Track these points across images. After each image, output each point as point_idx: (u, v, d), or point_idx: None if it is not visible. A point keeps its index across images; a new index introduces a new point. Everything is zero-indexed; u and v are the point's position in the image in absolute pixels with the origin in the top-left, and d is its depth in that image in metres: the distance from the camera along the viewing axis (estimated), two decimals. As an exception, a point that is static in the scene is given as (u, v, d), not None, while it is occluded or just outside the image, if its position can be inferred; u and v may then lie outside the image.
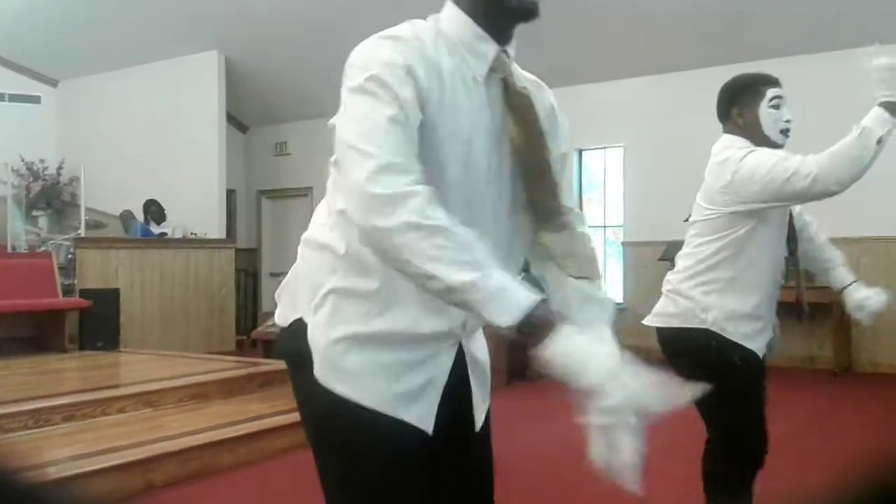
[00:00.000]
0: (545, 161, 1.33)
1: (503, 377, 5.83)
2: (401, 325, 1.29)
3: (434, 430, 1.33)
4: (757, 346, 2.36)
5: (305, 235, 1.41)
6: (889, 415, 5.26)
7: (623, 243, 8.36)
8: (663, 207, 7.45)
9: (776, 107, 2.32)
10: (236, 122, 10.54)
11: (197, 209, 8.92)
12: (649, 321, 2.50)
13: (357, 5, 7.67)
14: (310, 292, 1.33)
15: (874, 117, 2.14)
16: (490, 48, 1.30)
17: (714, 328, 2.34)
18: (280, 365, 5.74)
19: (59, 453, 3.71)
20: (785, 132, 2.34)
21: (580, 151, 8.54)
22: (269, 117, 10.53)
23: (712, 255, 2.36)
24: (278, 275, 9.59)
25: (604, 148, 8.44)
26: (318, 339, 1.30)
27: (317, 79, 9.21)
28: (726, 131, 2.44)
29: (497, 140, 1.30)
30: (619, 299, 8.28)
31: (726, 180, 2.32)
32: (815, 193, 2.18)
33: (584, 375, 1.07)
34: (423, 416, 1.32)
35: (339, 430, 1.31)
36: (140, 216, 8.76)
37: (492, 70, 1.30)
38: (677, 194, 7.44)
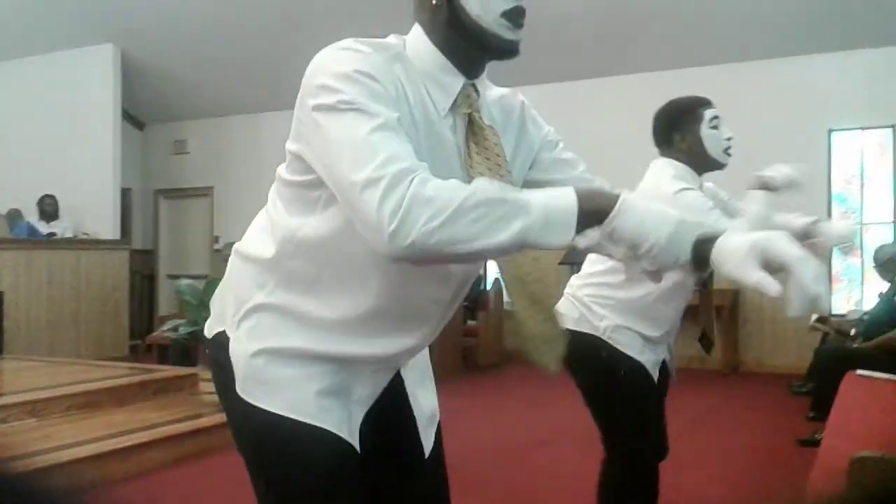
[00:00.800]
0: None
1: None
2: (329, 347, 1.25)
3: (373, 456, 1.30)
4: (647, 358, 2.36)
5: (238, 245, 1.35)
6: (773, 412, 5.53)
7: (525, 247, 8.51)
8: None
9: (716, 127, 2.32)
10: (132, 118, 10.16)
11: (89, 208, 8.55)
12: (570, 323, 2.51)
13: (259, 3, 7.54)
14: (235, 306, 1.29)
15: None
16: (455, 81, 1.23)
17: (604, 336, 2.35)
18: (175, 371, 5.56)
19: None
20: (727, 151, 2.34)
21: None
22: (167, 114, 10.20)
23: (615, 271, 2.32)
24: (176, 277, 9.30)
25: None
26: (238, 353, 1.27)
27: (218, 76, 9.01)
28: (665, 156, 2.38)
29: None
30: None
31: None
32: None
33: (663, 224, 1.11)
34: (347, 429, 1.28)
35: (268, 447, 1.26)
36: (32, 213, 8.32)
37: (455, 104, 1.23)
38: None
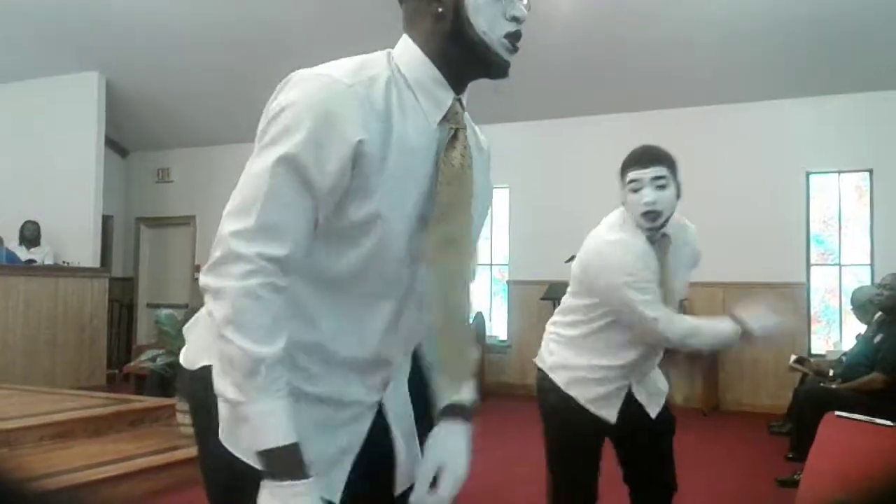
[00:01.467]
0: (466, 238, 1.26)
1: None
2: (320, 388, 1.22)
3: (349, 498, 1.25)
4: (604, 413, 2.33)
5: None
6: (750, 451, 5.54)
7: (508, 282, 8.52)
8: (546, 248, 7.66)
9: (634, 190, 2.22)
10: (116, 146, 10.15)
11: (70, 235, 8.49)
12: (536, 359, 2.54)
13: (244, 34, 7.58)
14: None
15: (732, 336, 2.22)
16: (447, 95, 1.24)
17: (551, 374, 2.38)
18: (152, 402, 5.46)
19: None
20: (647, 215, 2.20)
21: (468, 191, 8.71)
22: (151, 143, 10.20)
23: (567, 311, 2.41)
24: (156, 306, 9.22)
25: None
26: None
27: (204, 105, 9.03)
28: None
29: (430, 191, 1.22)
30: (504, 336, 8.42)
31: (583, 260, 2.33)
32: (650, 335, 2.22)
33: None
34: (331, 485, 1.23)
35: (242, 499, 1.18)
36: (14, 239, 8.25)
37: (445, 119, 1.24)
38: (559, 235, 7.70)
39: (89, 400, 5.63)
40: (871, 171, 7.18)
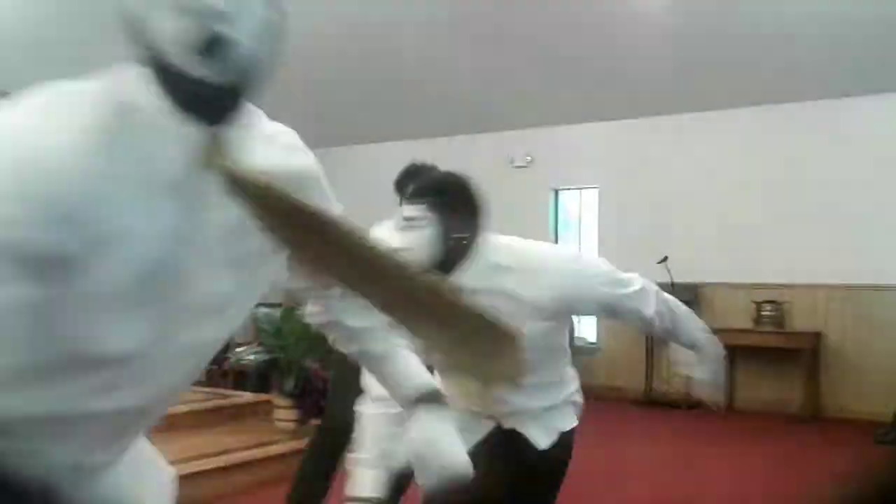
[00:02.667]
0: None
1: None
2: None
3: None
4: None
5: None
6: (853, 461, 5.31)
7: (597, 283, 8.41)
8: (636, 249, 7.53)
9: None
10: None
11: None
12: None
13: (345, 38, 7.73)
14: None
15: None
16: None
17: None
18: (251, 397, 5.61)
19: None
20: None
21: (556, 192, 8.64)
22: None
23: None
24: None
25: (579, 189, 8.54)
26: None
27: (295, 103, 9.27)
28: None
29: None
30: (593, 338, 8.32)
31: None
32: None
33: None
34: None
35: None
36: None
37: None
38: (650, 236, 7.57)
39: (191, 394, 5.85)
40: None
